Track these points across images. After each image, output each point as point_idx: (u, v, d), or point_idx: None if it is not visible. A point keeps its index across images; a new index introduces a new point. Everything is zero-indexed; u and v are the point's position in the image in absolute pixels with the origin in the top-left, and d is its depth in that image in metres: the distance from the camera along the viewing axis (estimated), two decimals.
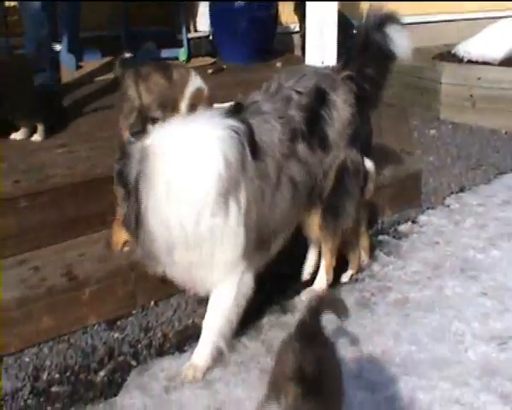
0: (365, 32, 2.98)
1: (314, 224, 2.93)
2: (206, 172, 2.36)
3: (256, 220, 2.49)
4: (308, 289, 3.08)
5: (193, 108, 3.42)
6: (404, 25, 3.03)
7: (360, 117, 2.89)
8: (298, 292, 3.10)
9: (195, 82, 3.47)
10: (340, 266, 3.14)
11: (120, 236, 2.51)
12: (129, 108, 3.42)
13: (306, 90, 2.76)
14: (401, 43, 2.93)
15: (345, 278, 3.22)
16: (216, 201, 2.35)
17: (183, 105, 3.44)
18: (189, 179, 2.35)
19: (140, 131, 3.28)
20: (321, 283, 3.09)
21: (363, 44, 2.99)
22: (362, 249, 3.27)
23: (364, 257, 3.30)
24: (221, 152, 2.38)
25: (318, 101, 2.76)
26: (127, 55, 3.48)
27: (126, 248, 2.54)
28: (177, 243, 2.36)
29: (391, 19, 2.97)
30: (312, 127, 2.71)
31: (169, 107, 3.44)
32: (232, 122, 2.47)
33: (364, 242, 3.30)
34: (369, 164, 3.11)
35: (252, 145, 2.47)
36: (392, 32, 2.94)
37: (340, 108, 2.81)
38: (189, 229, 2.34)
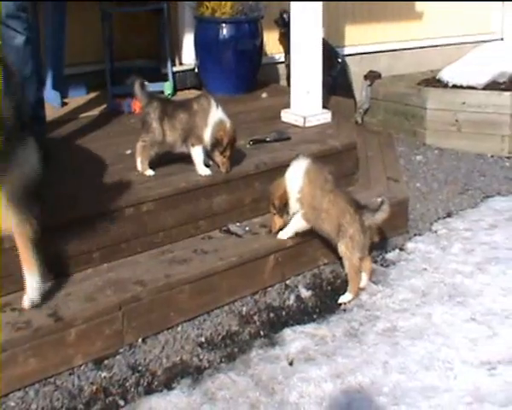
0: None
1: None
2: None
3: None
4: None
5: (217, 139, 3.50)
6: None
7: None
8: (286, 324, 3.09)
9: (216, 113, 3.53)
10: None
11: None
12: (151, 140, 3.52)
13: None
14: None
15: (344, 299, 3.26)
16: None
17: (206, 135, 3.50)
18: None
19: None
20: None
21: None
22: (364, 272, 3.32)
23: (365, 281, 3.34)
24: None
25: None
26: (139, 81, 3.51)
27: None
28: None
29: None
30: None
31: (192, 138, 3.52)
32: None
33: (367, 265, 3.35)
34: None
35: None
36: None
37: None
38: None
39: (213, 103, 3.54)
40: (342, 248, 3.27)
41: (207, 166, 3.60)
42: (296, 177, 3.32)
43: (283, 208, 3.35)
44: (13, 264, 2.92)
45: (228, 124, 3.53)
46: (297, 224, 3.38)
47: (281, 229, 3.41)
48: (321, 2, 4.42)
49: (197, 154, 3.55)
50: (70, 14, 4.98)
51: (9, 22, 3.61)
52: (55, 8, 4.91)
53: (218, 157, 3.57)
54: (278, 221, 3.40)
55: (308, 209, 3.31)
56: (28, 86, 3.75)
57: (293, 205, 3.34)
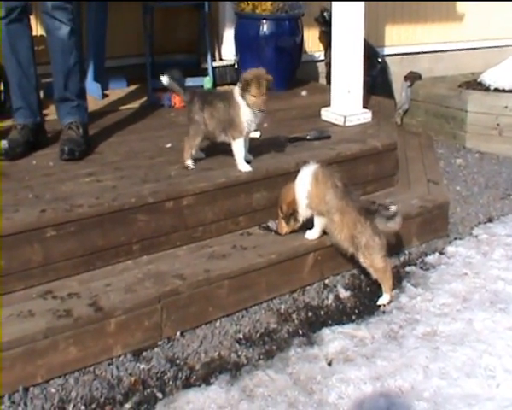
0: None
1: None
2: None
3: None
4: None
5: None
6: None
7: None
8: (325, 324, 3.06)
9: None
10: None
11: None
12: (195, 130, 3.54)
13: None
14: None
15: (382, 301, 3.23)
16: None
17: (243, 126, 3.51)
18: None
19: None
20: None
21: None
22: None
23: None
24: None
25: None
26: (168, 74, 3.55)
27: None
28: None
29: None
30: None
31: (232, 130, 3.52)
32: None
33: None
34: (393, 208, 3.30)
35: None
36: None
37: None
38: None
39: None
40: (362, 260, 3.23)
41: (248, 162, 3.58)
42: (304, 182, 3.27)
43: (290, 216, 3.32)
44: (56, 253, 2.95)
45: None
46: (318, 222, 3.35)
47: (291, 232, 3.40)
48: (363, 2, 4.39)
49: (238, 148, 3.53)
50: (111, 7, 5.02)
51: (55, 13, 3.65)
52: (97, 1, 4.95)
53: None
54: (285, 226, 3.38)
55: (318, 211, 3.28)
56: (71, 77, 3.79)
57: (304, 212, 3.30)
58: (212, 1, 5.41)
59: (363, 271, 3.43)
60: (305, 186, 3.26)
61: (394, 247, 3.58)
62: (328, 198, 3.20)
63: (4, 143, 3.68)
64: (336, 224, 3.21)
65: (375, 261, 3.20)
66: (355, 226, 3.16)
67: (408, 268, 3.56)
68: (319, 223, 3.34)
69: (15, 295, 2.86)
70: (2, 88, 4.34)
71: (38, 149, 3.78)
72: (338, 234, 3.23)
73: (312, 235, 3.37)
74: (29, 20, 3.77)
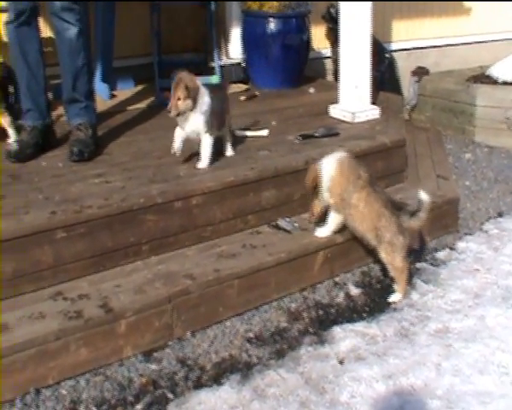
0: None
1: None
2: None
3: None
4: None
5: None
6: None
7: None
8: (335, 322, 3.05)
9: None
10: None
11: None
12: None
13: None
14: None
15: (394, 299, 3.22)
16: None
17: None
18: None
19: None
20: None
21: None
22: None
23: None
24: None
25: None
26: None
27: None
28: None
29: None
30: None
31: None
32: None
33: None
34: (423, 194, 3.17)
35: None
36: None
37: None
38: None
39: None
40: (382, 255, 3.21)
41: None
42: (329, 165, 3.24)
43: (315, 191, 3.28)
44: (66, 254, 2.96)
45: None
46: (332, 219, 3.33)
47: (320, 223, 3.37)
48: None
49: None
50: (119, 7, 5.01)
51: (63, 14, 3.65)
52: (105, 0, 4.95)
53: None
54: (316, 204, 3.32)
55: (337, 200, 3.23)
56: (80, 78, 3.79)
57: (324, 194, 3.26)
58: (219, 0, 5.40)
59: (373, 268, 3.43)
60: (329, 171, 3.23)
61: None
62: (352, 188, 3.17)
63: (14, 145, 3.69)
64: (359, 214, 3.18)
65: (396, 260, 3.18)
66: (379, 219, 3.14)
67: (418, 264, 3.54)
68: (333, 220, 3.33)
69: (26, 296, 2.87)
70: (11, 90, 4.34)
71: (47, 151, 3.79)
72: (359, 225, 3.21)
73: (323, 232, 3.36)
74: (37, 22, 3.77)
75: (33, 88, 3.78)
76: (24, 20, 3.65)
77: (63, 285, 2.94)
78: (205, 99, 3.49)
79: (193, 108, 3.45)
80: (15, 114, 4.26)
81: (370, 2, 4.37)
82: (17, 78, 3.87)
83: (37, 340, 2.57)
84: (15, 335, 2.58)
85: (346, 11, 4.42)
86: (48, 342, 2.59)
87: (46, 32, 4.62)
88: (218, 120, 3.59)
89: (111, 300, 2.82)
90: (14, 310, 2.75)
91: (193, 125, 3.50)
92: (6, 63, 4.43)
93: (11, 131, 3.91)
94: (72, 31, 3.68)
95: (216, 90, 3.68)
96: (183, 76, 3.45)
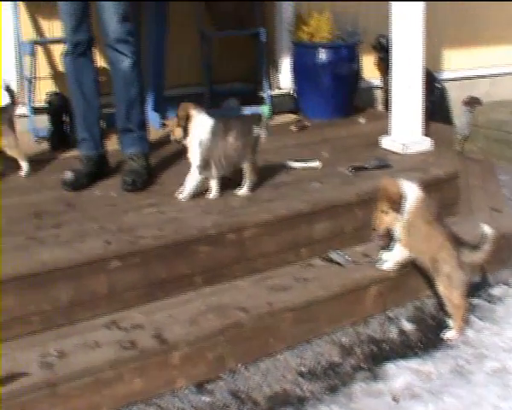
0: None
1: None
2: None
3: None
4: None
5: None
6: None
7: None
8: (388, 358, 3.01)
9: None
10: None
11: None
12: None
13: None
14: None
15: (449, 336, 3.15)
16: None
17: None
18: None
19: None
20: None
21: None
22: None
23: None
24: None
25: None
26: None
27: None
28: None
29: None
30: None
31: None
32: None
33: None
34: (486, 227, 3.12)
35: None
36: None
37: None
38: None
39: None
40: (440, 288, 3.16)
41: None
42: (412, 189, 3.17)
43: (394, 207, 3.12)
44: (121, 284, 2.99)
45: None
46: (398, 253, 3.29)
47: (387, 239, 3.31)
48: (421, 27, 4.36)
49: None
50: (170, 36, 5.10)
51: (118, 46, 3.73)
52: (156, 32, 5.05)
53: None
54: (385, 219, 3.16)
55: (405, 236, 3.19)
56: (134, 108, 3.86)
57: (405, 214, 3.15)
58: (270, 26, 5.44)
59: (426, 303, 3.37)
60: (414, 194, 3.16)
61: None
62: (420, 221, 3.13)
63: (69, 174, 3.77)
64: (421, 241, 3.14)
65: (453, 295, 3.12)
66: (440, 251, 3.10)
67: (473, 301, 3.46)
68: (399, 254, 3.26)
69: (81, 324, 2.90)
70: (67, 120, 4.46)
71: (101, 180, 3.86)
72: (420, 252, 3.18)
73: (389, 266, 3.31)
74: (93, 53, 3.87)
75: (89, 118, 3.88)
76: (80, 51, 3.76)
77: (117, 314, 2.97)
78: (200, 130, 3.51)
79: (184, 137, 3.49)
80: (69, 143, 4.39)
81: (422, 27, 4.34)
82: (72, 108, 3.97)
83: (94, 369, 2.60)
84: (72, 362, 2.62)
85: (398, 39, 4.41)
86: (103, 371, 2.62)
87: (100, 62, 4.73)
88: (228, 157, 3.54)
89: (164, 331, 2.83)
90: (69, 337, 2.79)
91: (190, 155, 3.56)
92: (62, 93, 4.56)
93: (24, 164, 3.98)
94: (127, 62, 3.76)
95: (236, 124, 3.64)
96: (184, 104, 3.55)
